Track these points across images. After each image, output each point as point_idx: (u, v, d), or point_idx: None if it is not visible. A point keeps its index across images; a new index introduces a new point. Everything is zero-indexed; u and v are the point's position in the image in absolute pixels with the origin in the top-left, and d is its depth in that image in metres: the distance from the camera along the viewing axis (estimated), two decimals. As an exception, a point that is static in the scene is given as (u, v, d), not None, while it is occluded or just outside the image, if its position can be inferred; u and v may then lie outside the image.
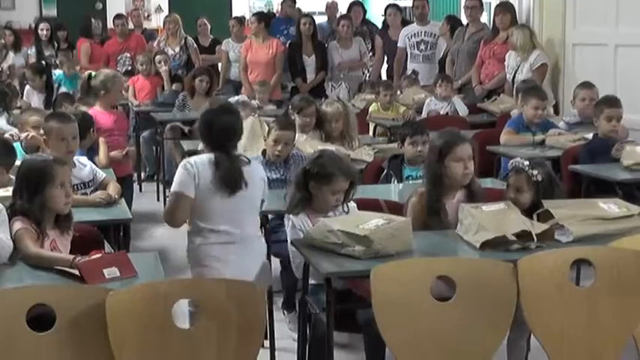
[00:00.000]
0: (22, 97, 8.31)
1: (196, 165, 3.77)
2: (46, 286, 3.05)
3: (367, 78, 9.53)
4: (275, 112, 7.41)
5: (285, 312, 4.74)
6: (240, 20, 10.03)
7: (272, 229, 4.43)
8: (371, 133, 7.59)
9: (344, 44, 9.25)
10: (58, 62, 9.40)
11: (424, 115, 7.55)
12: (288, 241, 3.86)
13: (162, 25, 10.95)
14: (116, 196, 4.32)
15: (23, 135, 5.27)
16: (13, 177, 3.84)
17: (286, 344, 4.39)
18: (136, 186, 7.32)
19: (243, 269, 3.75)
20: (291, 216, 3.88)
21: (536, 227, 3.52)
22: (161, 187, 7.63)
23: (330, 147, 5.06)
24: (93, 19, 10.79)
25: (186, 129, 7.72)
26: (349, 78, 9.19)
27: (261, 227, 4.19)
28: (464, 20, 8.94)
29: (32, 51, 10.29)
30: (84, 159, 4.71)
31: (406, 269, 3.23)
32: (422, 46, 8.97)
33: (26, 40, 10.52)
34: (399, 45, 9.12)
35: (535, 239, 3.45)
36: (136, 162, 7.37)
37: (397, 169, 4.94)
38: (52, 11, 13.59)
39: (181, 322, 3.04)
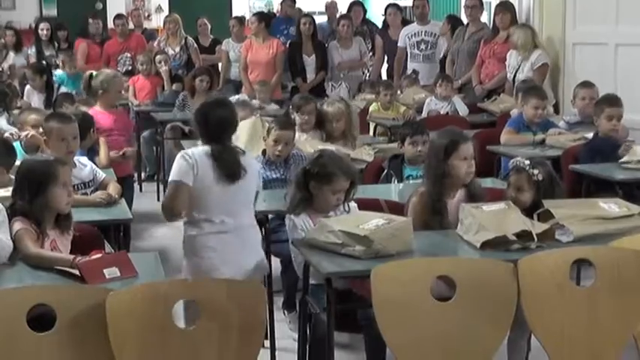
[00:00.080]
0: (22, 97, 8.31)
1: (194, 156, 3.81)
2: (46, 287, 3.05)
3: (367, 78, 9.52)
4: (278, 112, 7.41)
5: (286, 312, 4.74)
6: (241, 20, 10.03)
7: (272, 229, 4.43)
8: (371, 132, 7.59)
9: (344, 44, 9.25)
10: (59, 62, 9.40)
11: (424, 114, 7.55)
12: (289, 241, 3.87)
13: (162, 25, 10.94)
14: (116, 196, 4.32)
15: (23, 134, 5.27)
16: (13, 177, 3.84)
17: (287, 344, 4.39)
18: (136, 186, 7.32)
19: (238, 259, 3.82)
20: (292, 216, 3.88)
21: (537, 227, 3.52)
22: (161, 187, 7.63)
23: (331, 147, 5.06)
24: (91, 19, 10.80)
25: (186, 129, 7.72)
26: (349, 78, 9.18)
27: (261, 227, 4.19)
28: (464, 20, 8.94)
29: (32, 51, 10.29)
30: (84, 159, 4.71)
31: (406, 269, 3.23)
32: (422, 46, 8.97)
33: (26, 40, 10.52)
34: (399, 45, 9.11)
35: (535, 239, 3.45)
36: (137, 162, 7.37)
37: (397, 169, 4.94)
38: (52, 11, 13.58)
39: (182, 323, 3.04)
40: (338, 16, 10.36)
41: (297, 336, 4.03)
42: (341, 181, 3.87)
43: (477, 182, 4.04)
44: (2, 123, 6.56)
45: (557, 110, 7.53)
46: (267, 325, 4.05)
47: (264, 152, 4.93)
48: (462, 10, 9.47)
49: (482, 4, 8.54)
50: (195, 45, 9.83)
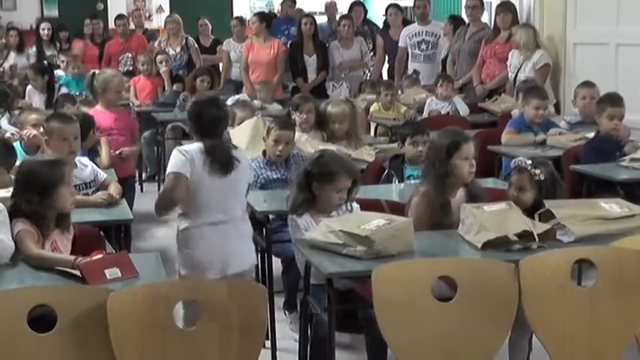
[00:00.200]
0: (23, 97, 8.31)
1: (189, 152, 3.94)
2: (47, 287, 3.05)
3: (368, 78, 9.53)
4: (281, 112, 7.41)
5: (287, 312, 4.74)
6: (242, 20, 10.03)
7: (273, 230, 4.43)
8: (372, 132, 7.59)
9: (345, 44, 9.25)
10: (60, 63, 9.40)
11: (425, 114, 7.55)
12: (292, 241, 3.86)
13: (163, 26, 10.94)
14: (117, 197, 4.32)
15: (25, 131, 5.28)
16: (13, 177, 3.84)
17: (287, 345, 4.39)
18: (137, 186, 7.32)
19: (230, 250, 3.94)
20: (295, 217, 3.89)
21: (538, 227, 3.52)
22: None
23: (331, 147, 5.05)
24: (88, 20, 10.77)
25: (187, 129, 7.70)
26: (350, 78, 9.19)
27: (261, 228, 4.19)
28: (465, 20, 8.94)
29: (32, 50, 10.29)
30: (85, 159, 4.72)
31: (407, 269, 3.22)
32: (423, 46, 8.97)
33: (27, 41, 10.53)
34: (400, 45, 9.11)
35: (537, 239, 3.44)
36: (137, 162, 7.36)
37: (398, 169, 4.94)
38: (53, 11, 13.58)
39: (182, 323, 3.04)
40: (339, 16, 10.36)
41: (298, 336, 4.03)
42: (343, 180, 3.87)
43: (476, 182, 4.04)
44: (3, 123, 6.56)
45: (558, 110, 7.53)
46: (268, 326, 4.05)
47: (264, 152, 4.93)
48: (463, 10, 9.47)
49: (482, 4, 8.54)
50: (196, 45, 9.83)
